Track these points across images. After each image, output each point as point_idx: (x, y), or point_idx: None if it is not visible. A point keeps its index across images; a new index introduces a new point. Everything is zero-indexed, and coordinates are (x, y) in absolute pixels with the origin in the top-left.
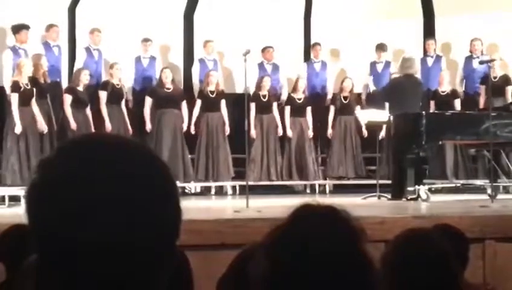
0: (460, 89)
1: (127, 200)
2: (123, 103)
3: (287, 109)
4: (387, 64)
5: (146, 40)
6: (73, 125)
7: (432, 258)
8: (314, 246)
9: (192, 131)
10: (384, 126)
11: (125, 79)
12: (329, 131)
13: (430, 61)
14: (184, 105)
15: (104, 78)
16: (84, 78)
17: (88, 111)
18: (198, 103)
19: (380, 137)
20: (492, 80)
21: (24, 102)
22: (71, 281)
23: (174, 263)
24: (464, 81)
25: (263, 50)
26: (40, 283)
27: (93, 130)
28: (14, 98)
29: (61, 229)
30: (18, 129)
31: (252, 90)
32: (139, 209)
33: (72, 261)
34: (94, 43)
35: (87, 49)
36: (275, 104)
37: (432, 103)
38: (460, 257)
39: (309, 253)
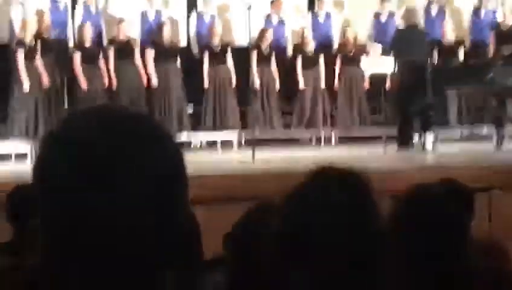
0: (468, 37)
1: (132, 173)
2: (137, 57)
3: (299, 62)
4: (391, 15)
5: None
6: (84, 84)
7: (442, 219)
8: (330, 211)
9: (206, 85)
10: (389, 76)
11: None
12: (336, 82)
13: (433, 11)
14: (178, 59)
15: (104, 33)
16: (88, 33)
17: (101, 65)
18: (206, 56)
19: (387, 87)
20: (502, 28)
21: (29, 58)
22: (72, 247)
23: (184, 228)
24: (472, 30)
25: (272, 1)
26: (43, 244)
27: (106, 84)
28: (21, 55)
29: (62, 203)
30: (26, 86)
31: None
32: (145, 181)
33: (75, 233)
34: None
35: (84, 5)
36: (273, 59)
37: (435, 53)
38: (466, 213)
39: (325, 218)
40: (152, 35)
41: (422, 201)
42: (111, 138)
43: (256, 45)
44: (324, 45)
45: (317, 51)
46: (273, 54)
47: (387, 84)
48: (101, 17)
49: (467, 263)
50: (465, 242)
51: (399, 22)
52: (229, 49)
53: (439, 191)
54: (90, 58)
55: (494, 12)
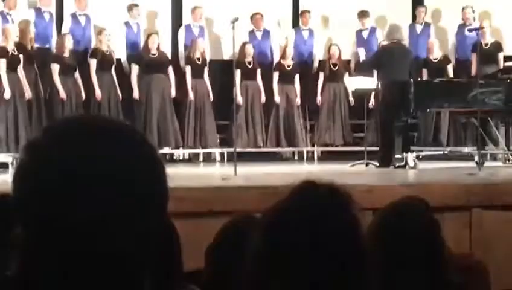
0: (453, 57)
1: (113, 182)
2: (113, 69)
3: (275, 75)
4: (373, 30)
5: (133, 5)
6: (62, 94)
7: (418, 230)
8: (314, 226)
9: (191, 97)
10: (373, 94)
11: (115, 45)
12: (319, 98)
13: (419, 28)
14: (171, 70)
15: (93, 44)
16: (69, 44)
17: (77, 76)
18: (188, 69)
19: (370, 105)
20: (484, 47)
21: (11, 68)
22: (54, 258)
23: (162, 238)
24: (456, 48)
25: (252, 17)
26: (24, 256)
27: (83, 97)
28: (2, 64)
29: (44, 210)
30: (7, 94)
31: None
32: (125, 190)
33: (56, 240)
34: (80, 9)
35: (73, 15)
36: (259, 71)
37: (425, 71)
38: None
39: (309, 232)
40: (136, 47)
41: (395, 217)
42: (92, 146)
43: (239, 59)
44: (305, 62)
45: (295, 67)
46: (258, 68)
47: (371, 102)
48: (90, 28)
49: (445, 277)
50: (439, 257)
51: (381, 38)
52: (206, 64)
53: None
54: (68, 69)
55: (477, 30)
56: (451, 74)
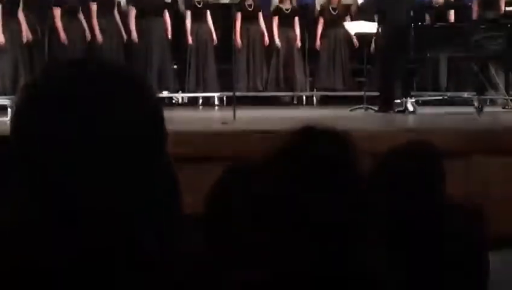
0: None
1: (111, 123)
2: (115, 11)
3: (275, 19)
4: None
5: None
6: (64, 39)
7: (413, 179)
8: (317, 171)
9: (190, 41)
10: (373, 39)
11: None
12: (318, 43)
13: None
14: (166, 13)
15: None
16: None
17: (81, 18)
18: (188, 13)
19: (371, 50)
20: None
21: (10, 13)
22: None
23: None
24: None
25: None
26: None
27: (89, 38)
28: None
29: (42, 153)
30: (2, 40)
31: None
32: (123, 131)
33: (55, 184)
34: None
35: None
36: (260, 14)
37: (427, 15)
38: (436, 174)
39: (312, 178)
40: None
41: (395, 162)
42: (91, 90)
43: (240, 1)
44: (305, 5)
45: (294, 11)
46: (260, 11)
47: (372, 46)
48: None
49: (441, 222)
50: (437, 202)
51: None
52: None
53: (410, 153)
54: (70, 12)
55: None
56: (452, 19)
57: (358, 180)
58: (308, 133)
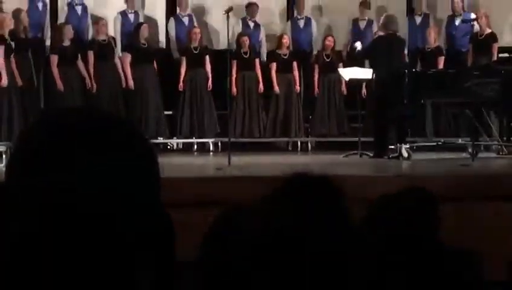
0: (444, 48)
1: (106, 173)
2: (116, 58)
3: (273, 65)
4: (370, 22)
5: None
6: (59, 86)
7: (408, 226)
8: (307, 216)
9: (181, 88)
10: (364, 84)
11: (112, 34)
12: (316, 90)
13: (418, 19)
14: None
15: (91, 34)
16: (68, 34)
17: (79, 65)
18: (183, 60)
19: (363, 95)
20: (479, 37)
21: (5, 56)
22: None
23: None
24: (448, 39)
25: (247, 6)
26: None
27: (89, 85)
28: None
29: (38, 201)
30: (4, 81)
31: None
32: (117, 183)
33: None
34: None
35: (69, 5)
36: (257, 61)
37: (419, 61)
38: (430, 219)
39: (302, 222)
40: (130, 37)
41: (390, 209)
42: (84, 140)
43: (236, 51)
44: (302, 50)
45: (292, 56)
46: (256, 58)
47: (363, 92)
48: (88, 18)
49: (436, 267)
50: (430, 247)
51: (377, 30)
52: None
53: (406, 199)
54: (68, 59)
55: (471, 21)
56: (441, 65)
57: (349, 226)
58: (299, 180)
